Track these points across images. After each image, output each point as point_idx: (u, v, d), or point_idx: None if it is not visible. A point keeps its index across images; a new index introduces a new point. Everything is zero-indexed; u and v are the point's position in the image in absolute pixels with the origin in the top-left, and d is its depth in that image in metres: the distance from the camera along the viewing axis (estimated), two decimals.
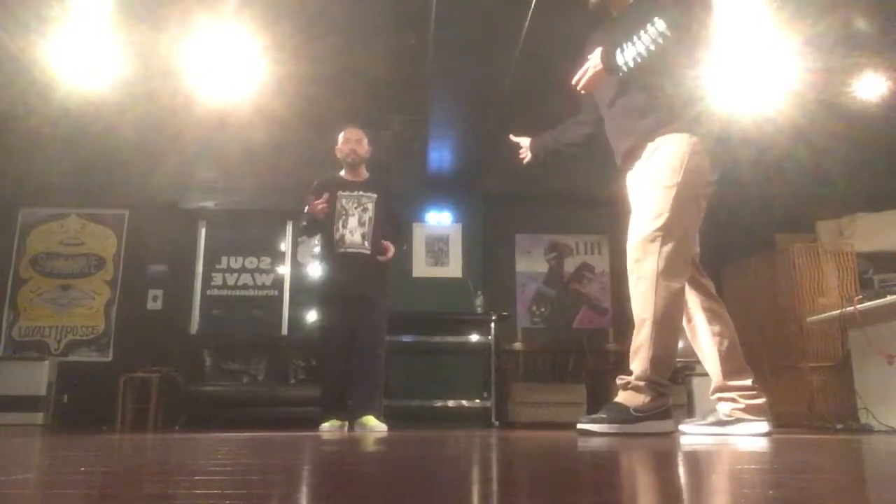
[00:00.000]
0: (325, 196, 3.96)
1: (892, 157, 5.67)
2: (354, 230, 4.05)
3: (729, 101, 4.44)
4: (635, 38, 2.36)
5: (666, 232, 2.37)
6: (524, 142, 3.06)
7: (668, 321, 2.38)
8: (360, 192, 4.13)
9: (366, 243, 4.04)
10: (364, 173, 4.25)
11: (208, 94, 4.70)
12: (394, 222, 4.32)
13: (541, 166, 3.05)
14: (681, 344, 2.49)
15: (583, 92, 2.59)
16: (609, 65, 2.45)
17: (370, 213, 4.09)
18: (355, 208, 4.10)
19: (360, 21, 4.34)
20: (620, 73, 2.45)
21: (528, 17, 3.97)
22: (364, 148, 4.22)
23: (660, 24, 2.32)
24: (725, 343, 2.54)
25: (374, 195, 4.14)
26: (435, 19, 4.03)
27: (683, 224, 2.42)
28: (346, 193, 4.12)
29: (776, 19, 4.04)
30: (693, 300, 2.58)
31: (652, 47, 2.33)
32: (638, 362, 2.40)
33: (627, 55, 2.38)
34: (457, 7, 3.95)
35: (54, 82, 4.58)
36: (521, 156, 3.08)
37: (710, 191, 2.51)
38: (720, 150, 2.57)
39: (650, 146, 2.48)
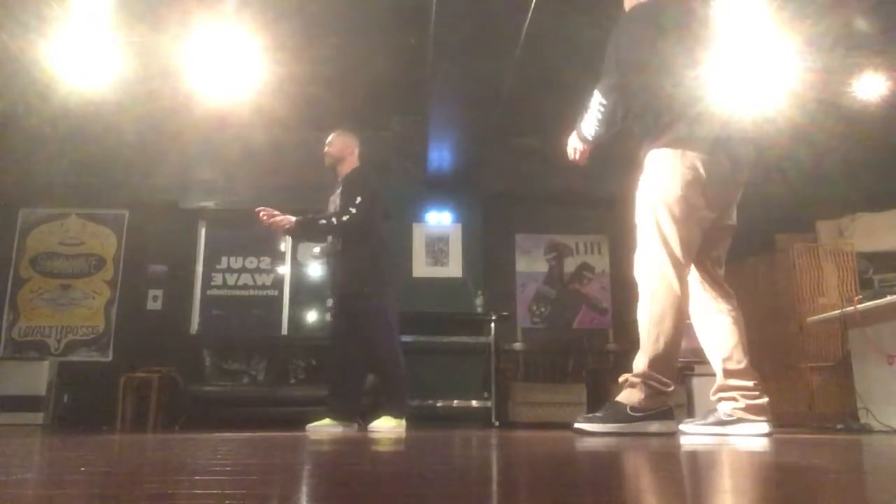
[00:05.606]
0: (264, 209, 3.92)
1: (892, 157, 5.67)
2: None
3: (729, 101, 4.44)
4: (587, 107, 2.54)
5: (663, 241, 2.44)
6: (572, 141, 2.74)
7: (667, 321, 2.40)
8: (337, 191, 4.03)
9: (331, 238, 4.00)
10: (343, 172, 4.05)
11: (208, 94, 4.70)
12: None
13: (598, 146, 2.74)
14: (683, 344, 2.49)
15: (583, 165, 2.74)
16: (583, 140, 2.63)
17: (335, 207, 3.95)
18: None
19: (360, 21, 4.34)
20: (594, 141, 2.59)
21: (528, 17, 3.97)
22: (334, 147, 4.03)
23: (596, 95, 2.50)
24: (732, 342, 2.55)
25: (340, 188, 3.99)
26: (435, 19, 4.03)
27: (679, 234, 2.44)
28: (332, 197, 4.08)
29: (776, 19, 4.04)
30: (705, 298, 2.60)
31: (599, 116, 2.51)
32: (636, 359, 2.45)
33: (587, 127, 2.57)
34: (457, 7, 3.95)
35: (54, 82, 4.59)
36: (577, 156, 2.73)
37: (704, 203, 2.51)
38: (743, 150, 2.71)
39: (646, 159, 2.53)
